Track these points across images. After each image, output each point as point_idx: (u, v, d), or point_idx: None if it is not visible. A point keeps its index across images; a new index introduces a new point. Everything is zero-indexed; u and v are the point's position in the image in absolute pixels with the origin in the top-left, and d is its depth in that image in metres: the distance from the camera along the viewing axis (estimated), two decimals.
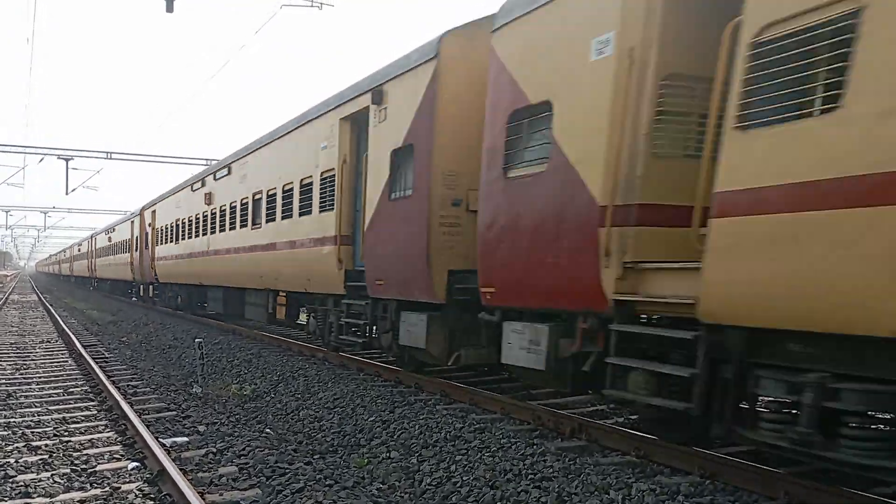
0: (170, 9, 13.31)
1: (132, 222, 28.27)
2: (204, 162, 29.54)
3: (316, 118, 10.87)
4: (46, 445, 6.42)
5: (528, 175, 6.30)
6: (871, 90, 3.72)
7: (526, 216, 6.34)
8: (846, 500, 4.34)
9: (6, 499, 5.00)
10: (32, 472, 5.62)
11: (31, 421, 7.49)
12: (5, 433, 6.87)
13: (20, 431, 6.95)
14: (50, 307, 26.61)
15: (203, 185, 17.58)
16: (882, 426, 4.28)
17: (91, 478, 5.50)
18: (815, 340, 4.17)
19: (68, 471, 5.64)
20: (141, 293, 29.56)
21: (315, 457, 6.28)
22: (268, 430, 7.34)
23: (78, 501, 4.99)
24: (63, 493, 5.17)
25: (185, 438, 6.72)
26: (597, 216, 5.49)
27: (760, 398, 4.73)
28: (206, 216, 17.17)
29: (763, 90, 4.25)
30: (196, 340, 10.73)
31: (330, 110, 10.34)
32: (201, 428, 7.20)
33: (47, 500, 5.00)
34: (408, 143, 8.19)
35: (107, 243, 35.66)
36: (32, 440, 6.63)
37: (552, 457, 5.67)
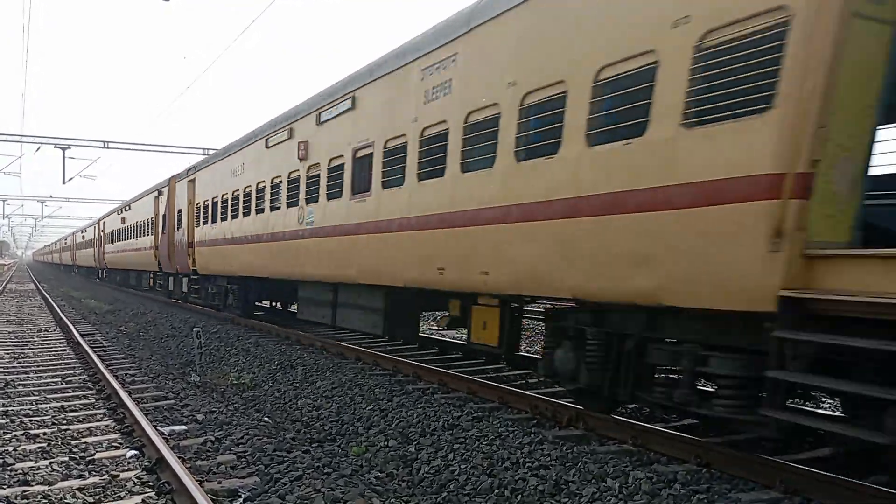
0: None
1: (94, 227, 42.32)
2: (201, 151, 29.45)
3: (150, 193, 24.55)
4: (45, 434, 6.43)
5: (177, 230, 19.82)
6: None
7: (178, 245, 19.67)
8: (840, 487, 4.37)
9: (5, 486, 5.01)
10: (31, 460, 5.64)
11: (29, 409, 7.50)
12: (4, 421, 6.87)
13: (18, 420, 6.96)
14: (47, 296, 26.60)
15: (122, 212, 31.62)
16: None
17: (89, 466, 5.52)
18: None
19: (67, 459, 5.65)
20: (100, 276, 44.18)
21: (313, 445, 6.30)
22: (266, 419, 7.36)
23: (76, 489, 5.00)
24: (62, 480, 5.18)
25: (184, 427, 6.74)
26: (188, 245, 18.49)
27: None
28: (124, 229, 30.66)
29: (198, 219, 18.89)
30: (194, 329, 10.74)
31: (155, 190, 23.67)
32: (199, 416, 7.21)
33: (46, 487, 5.01)
34: (163, 213, 21.84)
35: (82, 240, 50.40)
36: (31, 428, 6.64)
37: (550, 445, 5.69)
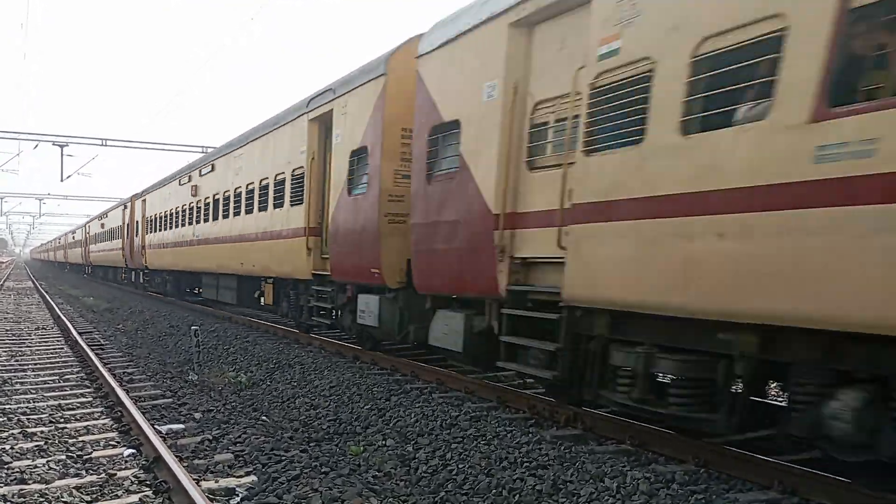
0: None
1: (82, 230, 49.80)
2: (200, 150, 29.40)
3: (120, 206, 30.56)
4: (42, 432, 6.42)
5: (136, 236, 26.60)
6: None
7: (136, 247, 26.42)
8: (838, 488, 4.37)
9: (2, 485, 5.00)
10: (28, 459, 5.62)
11: (26, 408, 7.49)
12: (1, 419, 6.86)
13: (16, 418, 6.95)
14: (45, 294, 26.56)
15: (102, 219, 37.46)
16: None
17: (87, 464, 5.51)
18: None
19: (64, 457, 5.64)
20: (86, 271, 50.88)
21: (311, 444, 6.30)
22: (264, 418, 7.35)
23: (73, 488, 4.99)
24: (59, 479, 5.17)
25: (181, 425, 6.73)
26: (142, 247, 25.25)
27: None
28: (103, 233, 36.24)
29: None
30: (192, 328, 10.71)
31: (122, 205, 29.94)
32: (197, 415, 7.21)
33: (43, 486, 5.00)
34: (128, 223, 28.39)
35: (72, 240, 57.34)
36: (28, 427, 6.62)
37: (548, 445, 5.69)
